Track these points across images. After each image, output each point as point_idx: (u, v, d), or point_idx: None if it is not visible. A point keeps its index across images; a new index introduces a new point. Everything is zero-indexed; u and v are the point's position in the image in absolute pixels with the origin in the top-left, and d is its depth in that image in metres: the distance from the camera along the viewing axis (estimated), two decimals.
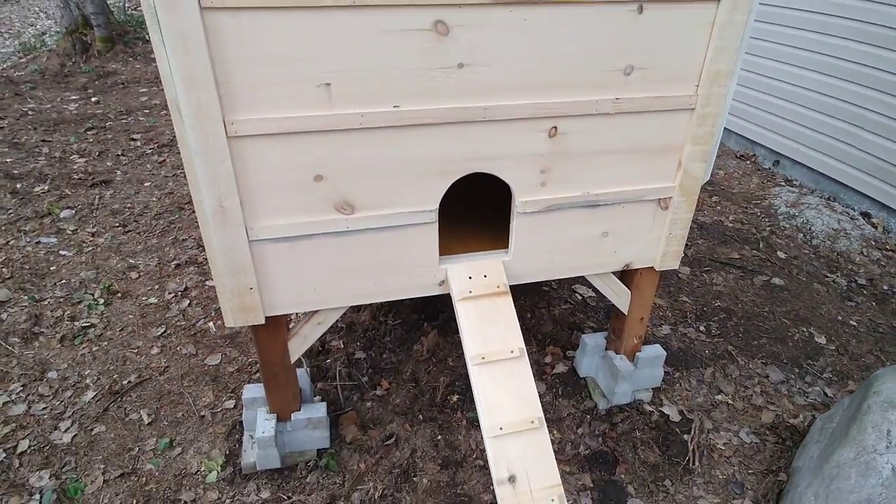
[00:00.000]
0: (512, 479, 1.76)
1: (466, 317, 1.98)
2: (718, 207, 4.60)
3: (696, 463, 2.44)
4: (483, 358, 1.90)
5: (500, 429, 1.81)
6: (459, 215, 2.50)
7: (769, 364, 2.96)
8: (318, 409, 2.32)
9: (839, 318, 3.31)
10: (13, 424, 2.48)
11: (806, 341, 3.13)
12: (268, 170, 1.71)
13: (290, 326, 2.22)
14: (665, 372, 2.84)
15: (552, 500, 1.74)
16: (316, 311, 2.10)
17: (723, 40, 1.84)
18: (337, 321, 3.12)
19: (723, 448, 2.51)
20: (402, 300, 3.17)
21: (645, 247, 2.26)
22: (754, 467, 2.44)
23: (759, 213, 4.50)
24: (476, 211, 2.58)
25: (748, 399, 2.76)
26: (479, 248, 2.21)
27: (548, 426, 2.51)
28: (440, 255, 2.09)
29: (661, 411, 2.65)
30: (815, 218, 4.20)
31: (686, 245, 3.93)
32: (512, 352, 1.93)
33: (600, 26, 1.73)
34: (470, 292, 2.02)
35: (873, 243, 4.03)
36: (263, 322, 1.96)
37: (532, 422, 1.83)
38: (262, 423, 2.23)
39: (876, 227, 4.23)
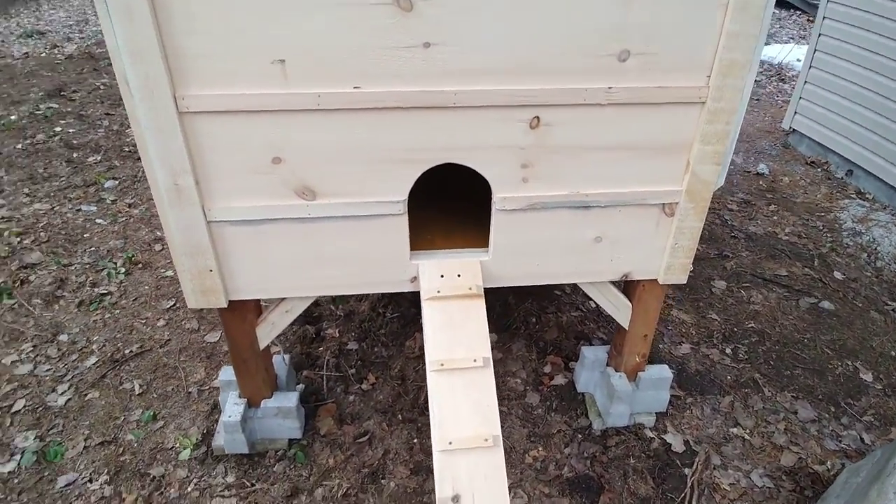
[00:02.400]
0: (456, 498, 1.62)
1: (431, 319, 1.84)
2: (775, 217, 4.15)
3: (693, 502, 2.18)
4: (442, 364, 1.77)
5: (450, 443, 1.67)
6: (453, 209, 2.36)
7: (800, 399, 2.62)
8: (290, 399, 2.27)
9: (893, 353, 2.88)
10: (15, 384, 2.60)
11: (849, 377, 2.75)
12: (223, 148, 1.64)
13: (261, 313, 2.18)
14: (675, 396, 2.58)
15: None
16: (284, 299, 2.03)
17: (738, 25, 1.58)
18: (335, 310, 3.07)
19: (727, 489, 2.24)
20: (403, 293, 3.08)
21: (647, 257, 2.02)
22: None
23: (820, 227, 4.02)
24: (473, 206, 2.42)
25: (768, 436, 2.45)
26: (466, 245, 2.06)
27: (534, 442, 2.35)
28: (416, 249, 1.96)
29: (662, 439, 2.41)
30: (882, 237, 3.70)
31: (726, 257, 3.59)
32: (475, 360, 1.77)
33: (590, 3, 1.53)
34: (438, 292, 1.88)
35: None
36: (226, 306, 1.92)
37: (486, 439, 1.68)
38: (230, 408, 2.21)
39: None
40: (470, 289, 1.90)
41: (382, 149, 1.69)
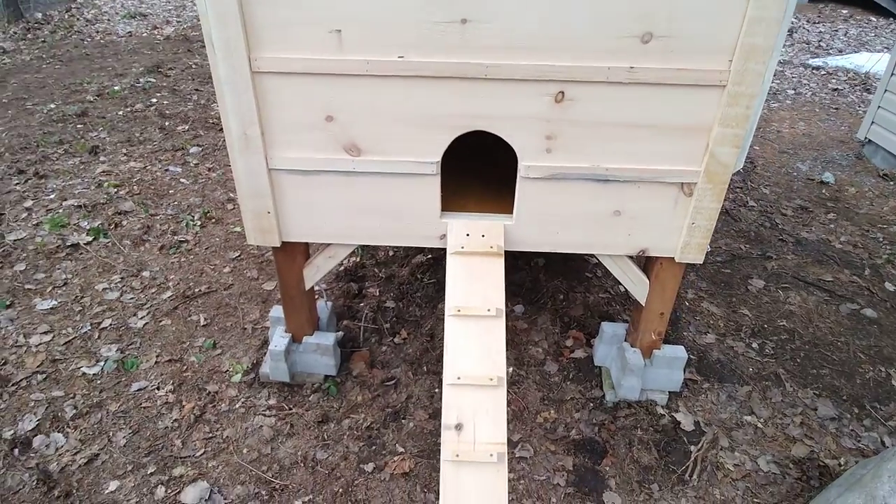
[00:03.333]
0: (459, 426, 1.82)
1: (454, 270, 2.04)
2: (832, 226, 4.04)
3: (694, 476, 2.27)
4: (459, 310, 1.97)
5: (458, 378, 1.87)
6: (491, 179, 2.54)
7: (822, 397, 2.62)
8: (328, 338, 2.54)
9: None
10: (104, 306, 3.04)
11: (879, 382, 2.70)
12: (285, 105, 1.91)
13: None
14: (692, 380, 2.65)
15: (491, 454, 1.77)
16: (328, 245, 2.30)
17: (760, 10, 1.66)
18: (378, 272, 3.34)
19: (731, 469, 2.30)
20: (441, 261, 3.30)
21: (664, 234, 2.13)
22: (762, 498, 2.21)
23: (880, 239, 3.88)
24: (506, 176, 2.60)
25: (783, 428, 2.48)
26: (497, 211, 2.25)
27: (547, 405, 2.51)
28: (447, 210, 2.17)
29: (673, 417, 2.49)
30: None
31: (769, 258, 3.56)
32: (489, 310, 1.96)
33: None
34: (463, 248, 2.08)
35: None
36: (279, 245, 2.21)
37: (492, 379, 1.86)
38: (276, 339, 2.51)
39: None
40: (491, 247, 2.08)
41: (420, 113, 1.90)
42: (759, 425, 2.49)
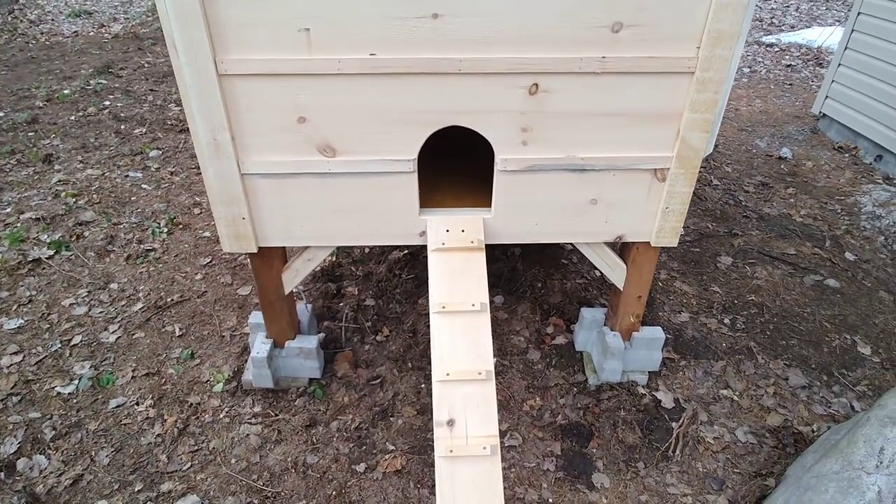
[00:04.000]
0: (451, 422, 1.83)
1: (435, 267, 2.04)
2: (792, 200, 4.19)
3: (677, 451, 2.35)
4: (444, 307, 1.97)
5: (447, 374, 1.88)
6: (464, 173, 2.54)
7: (793, 367, 2.73)
8: (311, 341, 2.52)
9: None
10: (73, 322, 2.93)
11: (845, 350, 2.84)
12: (255, 108, 1.86)
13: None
14: (669, 359, 2.73)
15: (484, 447, 1.79)
16: (306, 248, 2.26)
17: None
18: (355, 270, 3.31)
19: (711, 442, 2.39)
20: (419, 256, 3.29)
21: (639, 219, 2.17)
22: (742, 468, 2.30)
23: (838, 210, 4.04)
24: (482, 170, 2.60)
25: (757, 399, 2.58)
26: (475, 205, 2.25)
27: (532, 393, 2.54)
28: (425, 206, 2.16)
29: (653, 396, 2.56)
30: None
31: (735, 235, 3.67)
32: (473, 305, 1.97)
33: None
34: (443, 244, 2.08)
35: None
36: (256, 251, 2.16)
37: (480, 373, 1.88)
38: (258, 346, 2.47)
39: None
40: (472, 242, 2.09)
41: (395, 111, 1.88)
42: (735, 398, 2.58)
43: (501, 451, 2.31)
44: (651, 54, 1.81)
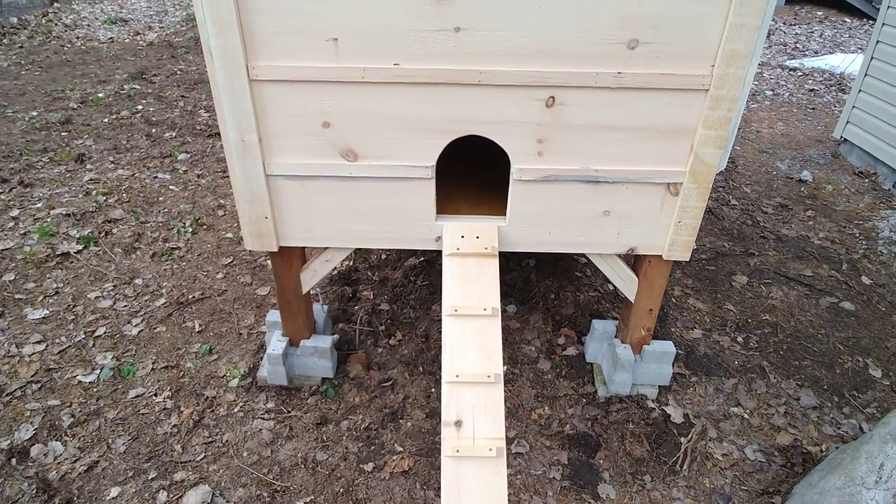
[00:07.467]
0: (458, 423, 1.87)
1: (450, 271, 2.10)
2: (811, 222, 4.17)
3: (685, 466, 2.34)
4: (456, 310, 2.02)
5: (457, 376, 1.92)
6: (483, 182, 2.60)
7: (805, 387, 2.71)
8: (325, 341, 2.58)
9: None
10: (98, 314, 3.04)
11: (857, 372, 2.81)
12: (283, 112, 1.95)
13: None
14: (680, 374, 2.73)
15: (490, 449, 1.82)
16: (325, 249, 2.33)
17: (741, 17, 1.75)
18: (372, 276, 3.38)
19: (720, 458, 2.38)
20: (434, 263, 3.35)
21: (652, 232, 2.20)
22: (750, 485, 2.29)
23: (856, 234, 4.01)
24: (499, 179, 2.66)
25: (767, 417, 2.57)
26: (490, 213, 2.31)
27: (541, 402, 2.57)
28: (441, 213, 2.22)
29: (663, 410, 2.57)
30: None
31: (751, 254, 3.66)
32: (485, 309, 2.01)
33: None
34: (458, 249, 2.13)
35: None
36: (276, 250, 2.24)
37: (489, 376, 1.91)
38: (274, 343, 2.53)
39: None
40: (486, 248, 2.14)
41: (416, 119, 1.96)
42: (746, 416, 2.57)
43: (508, 457, 2.34)
44: (666, 71, 1.86)
